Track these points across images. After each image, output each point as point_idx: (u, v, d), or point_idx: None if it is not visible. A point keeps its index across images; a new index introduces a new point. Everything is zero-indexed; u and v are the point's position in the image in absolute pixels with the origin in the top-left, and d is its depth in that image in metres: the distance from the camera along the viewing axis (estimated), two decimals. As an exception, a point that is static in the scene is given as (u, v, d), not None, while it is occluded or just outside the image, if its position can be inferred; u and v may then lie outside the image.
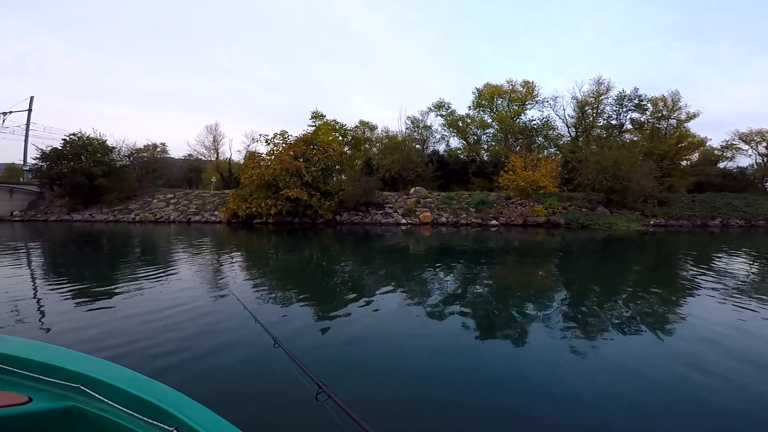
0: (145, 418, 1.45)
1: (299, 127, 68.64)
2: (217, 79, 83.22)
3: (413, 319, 5.71)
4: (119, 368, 1.77)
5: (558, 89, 59.14)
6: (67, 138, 27.93)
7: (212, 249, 14.38)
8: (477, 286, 8.10)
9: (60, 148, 27.53)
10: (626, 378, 3.77)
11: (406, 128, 38.63)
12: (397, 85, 74.41)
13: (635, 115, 35.29)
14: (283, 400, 3.38)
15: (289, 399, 3.34)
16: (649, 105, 34.33)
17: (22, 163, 34.31)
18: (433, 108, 38.52)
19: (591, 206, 24.30)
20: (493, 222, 22.90)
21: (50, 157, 27.18)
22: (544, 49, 73.51)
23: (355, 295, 7.22)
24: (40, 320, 5.47)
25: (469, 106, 38.84)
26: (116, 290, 7.23)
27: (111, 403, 1.54)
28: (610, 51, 69.32)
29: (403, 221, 23.67)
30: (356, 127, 37.42)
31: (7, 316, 5.49)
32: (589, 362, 4.21)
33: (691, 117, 33.27)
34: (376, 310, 6.13)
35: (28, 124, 34.61)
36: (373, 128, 38.26)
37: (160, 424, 1.40)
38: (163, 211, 26.40)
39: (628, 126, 35.93)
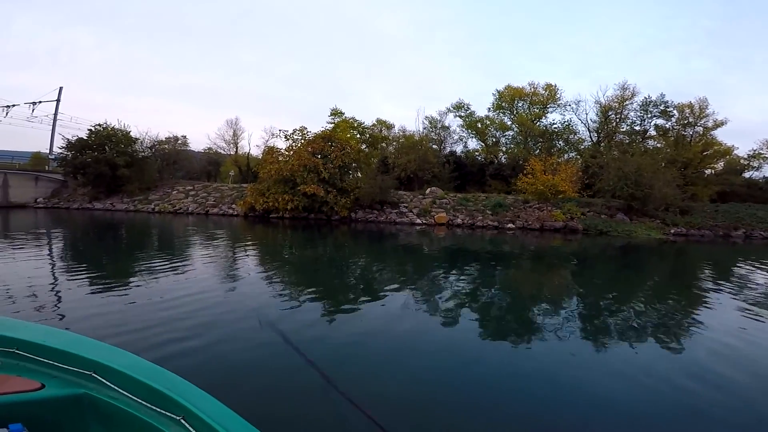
0: (154, 407, 1.47)
1: (318, 123, 69.01)
2: (238, 74, 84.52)
3: (421, 320, 5.74)
4: (131, 356, 1.79)
5: (581, 93, 57.64)
6: (93, 128, 28.56)
7: (228, 241, 14.61)
8: (488, 290, 8.06)
9: (85, 138, 28.14)
10: (628, 387, 3.77)
11: (424, 128, 38.50)
12: (416, 84, 74.30)
13: (660, 121, 34.50)
14: (290, 389, 3.45)
15: (295, 389, 3.42)
16: (675, 111, 33.52)
17: (48, 151, 35.26)
18: (451, 108, 38.32)
19: (610, 213, 23.83)
20: (510, 225, 22.64)
21: (75, 146, 27.80)
22: (568, 52, 72.19)
23: (366, 292, 7.32)
24: (56, 305, 5.61)
25: (489, 108, 38.50)
26: (133, 278, 7.44)
27: (121, 391, 1.55)
28: (637, 56, 67.64)
29: (418, 221, 23.59)
30: (373, 125, 37.48)
31: (25, 301, 5.62)
32: (594, 370, 4.21)
33: (718, 125, 32.37)
34: (385, 308, 6.17)
35: (56, 114, 35.46)
36: (390, 127, 38.28)
37: (167, 413, 1.43)
38: (182, 202, 26.86)
39: (652, 132, 35.09)
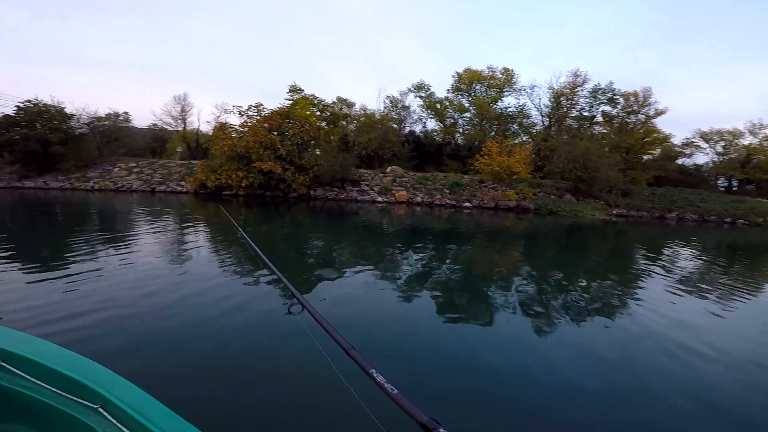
0: (70, 396, 1.40)
1: (275, 101, 66.23)
2: (188, 48, 78.69)
3: (375, 297, 5.77)
4: (44, 343, 1.66)
5: (535, 79, 59.61)
6: (21, 105, 26.02)
7: (177, 219, 13.82)
8: (443, 267, 8.18)
9: (12, 114, 25.65)
10: (568, 362, 3.95)
11: (385, 107, 38.22)
12: (378, 65, 72.92)
13: (607, 108, 36.45)
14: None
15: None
16: (621, 99, 35.53)
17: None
18: (412, 89, 38.20)
19: (559, 194, 25.08)
20: (467, 204, 23.23)
21: (1, 123, 25.20)
22: (526, 40, 73.96)
23: (322, 271, 7.18)
24: None
25: (448, 90, 38.77)
26: (70, 262, 6.72)
27: (33, 380, 1.47)
28: (589, 46, 70.58)
29: (379, 199, 23.60)
30: (334, 103, 36.63)
31: None
32: (536, 344, 4.42)
33: (659, 113, 34.71)
34: (340, 286, 6.14)
35: None
36: (351, 105, 37.55)
37: (84, 402, 1.37)
38: (125, 179, 25.06)
39: (599, 118, 37.07)
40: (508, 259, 10.24)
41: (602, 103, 36.16)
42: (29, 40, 66.66)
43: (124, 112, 34.43)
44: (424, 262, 8.56)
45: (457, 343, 4.27)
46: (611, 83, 35.22)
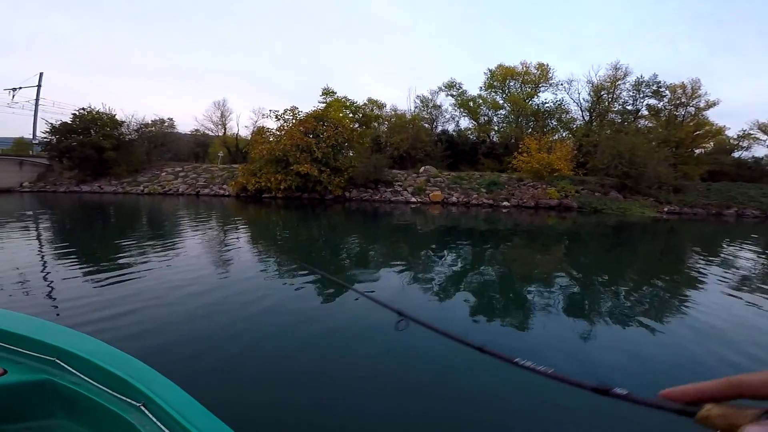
0: (116, 393, 1.46)
1: (307, 104, 67.90)
2: (225, 55, 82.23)
3: (412, 297, 5.64)
4: (95, 342, 1.75)
5: (572, 74, 57.20)
6: (77, 112, 27.87)
7: (220, 221, 14.29)
8: (481, 268, 7.93)
9: (69, 122, 27.50)
10: (613, 366, 3.68)
11: (415, 107, 38.05)
12: (405, 65, 73.07)
13: (652, 101, 34.47)
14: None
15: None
16: (667, 92, 33.50)
17: (31, 137, 34.27)
18: (443, 87, 37.79)
19: (604, 191, 23.92)
20: (505, 203, 22.63)
21: (60, 131, 27.14)
22: (557, 34, 71.22)
23: (358, 270, 7.18)
24: (47, 292, 5.29)
25: (481, 87, 37.99)
26: (124, 261, 7.11)
27: (83, 377, 1.54)
28: (626, 39, 66.92)
29: (413, 199, 23.46)
30: (364, 104, 36.88)
31: (15, 287, 5.35)
32: (579, 348, 4.11)
33: (710, 105, 32.43)
34: (376, 287, 6.07)
35: (37, 99, 34.55)
36: (381, 106, 37.66)
37: (128, 399, 1.42)
38: (172, 183, 26.34)
39: (644, 112, 35.15)
40: (550, 259, 9.79)
41: (646, 96, 34.29)
42: (79, 50, 71.84)
43: (169, 118, 36.35)
44: (459, 263, 8.35)
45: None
46: (655, 75, 33.41)
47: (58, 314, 4.44)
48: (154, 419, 1.33)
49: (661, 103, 34.25)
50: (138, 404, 1.38)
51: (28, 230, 11.47)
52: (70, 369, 1.58)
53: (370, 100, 37.14)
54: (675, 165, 26.17)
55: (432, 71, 75.20)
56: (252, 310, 4.74)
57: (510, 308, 5.43)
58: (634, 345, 4.24)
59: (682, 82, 32.80)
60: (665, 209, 22.48)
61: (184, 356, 3.52)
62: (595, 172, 25.45)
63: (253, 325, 4.31)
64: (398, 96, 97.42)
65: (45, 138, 28.05)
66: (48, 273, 6.38)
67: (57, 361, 1.61)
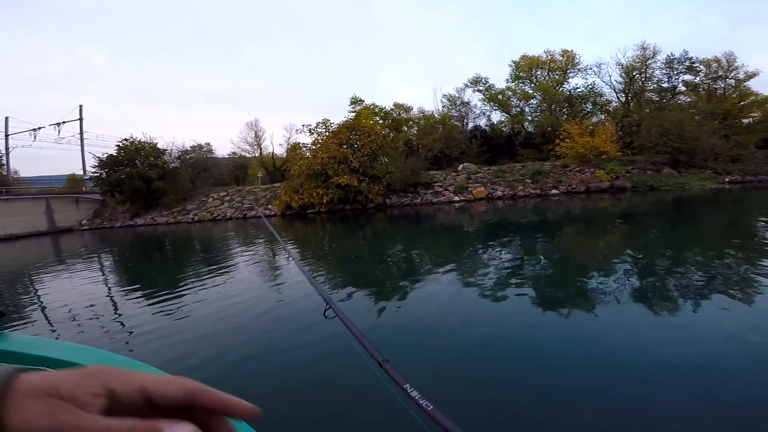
0: None
1: (337, 114, 69.06)
2: (251, 75, 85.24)
3: (466, 300, 5.43)
4: (151, 369, 1.72)
5: (600, 57, 55.49)
6: (121, 143, 28.66)
7: (269, 242, 14.49)
8: (535, 262, 7.59)
9: (115, 154, 28.29)
10: (695, 348, 3.38)
11: (443, 106, 37.88)
12: (428, 65, 73.21)
13: (687, 77, 33.41)
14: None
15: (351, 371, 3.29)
16: (701, 66, 32.39)
17: (81, 172, 36.13)
18: (469, 84, 37.49)
19: (656, 168, 22.93)
20: (554, 191, 22.01)
21: (107, 164, 27.98)
22: (576, 18, 69.63)
23: (408, 277, 7.06)
24: (120, 326, 5.55)
25: (507, 79, 37.53)
26: (184, 291, 7.35)
27: None
28: (646, 18, 64.49)
29: (456, 198, 23.21)
30: (392, 109, 37.07)
31: (89, 323, 5.66)
32: (655, 337, 3.73)
33: (750, 76, 31.25)
34: (428, 291, 5.95)
35: (81, 133, 35.95)
36: (408, 110, 37.72)
37: None
38: (219, 209, 27.21)
39: (682, 88, 33.91)
40: (606, 243, 9.31)
41: (681, 72, 33.32)
42: (113, 81, 75.99)
43: (207, 143, 37.62)
44: (509, 259, 8.03)
45: (553, 341, 3.84)
46: (686, 51, 32.42)
47: (126, 343, 4.73)
48: None
49: (698, 78, 33.20)
50: None
51: (96, 268, 12.08)
52: None
53: (396, 105, 37.32)
54: (727, 136, 24.89)
55: (455, 69, 74.75)
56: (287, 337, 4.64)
57: (567, 301, 5.08)
58: (702, 326, 3.87)
59: (716, 56, 31.85)
60: (726, 179, 21.27)
61: (237, 384, 3.51)
62: (642, 150, 24.49)
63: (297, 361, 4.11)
64: (424, 97, 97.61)
65: (94, 172, 28.85)
66: (116, 307, 6.71)
67: None
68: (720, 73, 31.97)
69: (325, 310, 1.91)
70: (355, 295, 6.10)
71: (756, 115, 33.46)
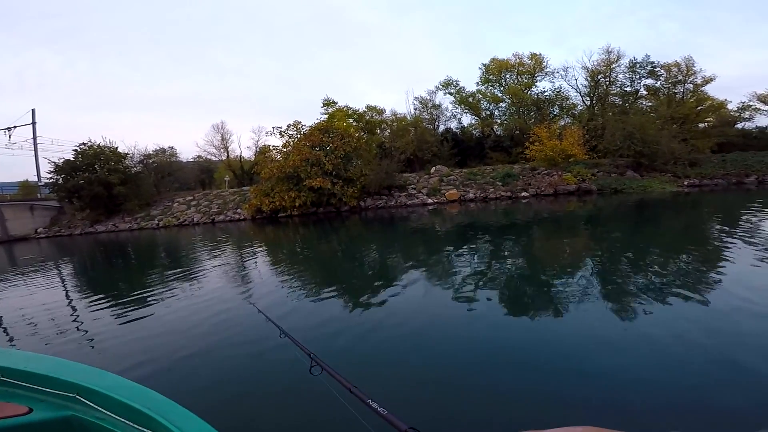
0: (137, 426, 1.49)
1: (307, 118, 67.99)
2: (218, 78, 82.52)
3: (436, 301, 5.60)
4: (113, 377, 1.82)
5: (564, 61, 57.62)
6: (78, 148, 27.25)
7: (238, 248, 14.02)
8: (503, 263, 7.82)
9: (72, 159, 26.87)
10: (653, 349, 3.56)
11: (415, 109, 37.98)
12: (399, 68, 73.09)
13: (649, 81, 34.91)
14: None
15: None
16: (662, 71, 33.96)
17: (36, 178, 33.97)
18: (440, 86, 37.79)
19: (620, 171, 23.80)
20: (524, 194, 22.45)
21: (64, 169, 26.51)
22: (541, 23, 71.70)
23: (381, 280, 7.11)
24: (83, 335, 5.44)
25: (477, 82, 38.07)
26: (146, 297, 7.23)
27: (105, 411, 1.59)
28: (608, 23, 67.28)
29: (429, 201, 23.30)
30: (364, 111, 36.88)
31: (49, 332, 5.54)
32: (618, 335, 3.97)
33: (707, 81, 32.88)
34: (400, 294, 6.04)
35: (35, 137, 33.61)
36: (381, 112, 37.62)
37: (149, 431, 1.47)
38: (186, 214, 26.19)
39: (643, 92, 35.43)
40: (574, 244, 9.65)
41: (642, 76, 34.76)
42: (68, 86, 72.16)
43: (170, 147, 36.19)
44: (482, 260, 8.22)
45: (519, 340, 4.02)
46: (648, 56, 33.85)
47: (86, 351, 4.69)
48: None
49: (659, 83, 34.71)
50: None
51: (53, 276, 11.39)
52: (92, 404, 1.63)
53: (368, 107, 37.15)
54: (685, 140, 26.16)
55: (426, 72, 74.92)
56: (268, 342, 4.47)
57: (536, 302, 5.28)
58: (670, 324, 4.06)
59: (676, 61, 33.35)
60: (685, 183, 22.31)
61: (204, 386, 3.57)
62: (606, 154, 25.35)
63: (271, 356, 4.20)
64: (396, 100, 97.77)
65: (50, 178, 27.38)
66: (76, 315, 6.55)
67: (78, 397, 1.66)
68: (679, 78, 33.46)
69: (311, 368, 1.74)
70: (324, 299, 6.09)
71: (711, 120, 35.41)
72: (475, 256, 8.71)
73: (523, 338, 4.04)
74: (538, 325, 4.37)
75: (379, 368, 3.65)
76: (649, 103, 34.46)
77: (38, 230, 27.66)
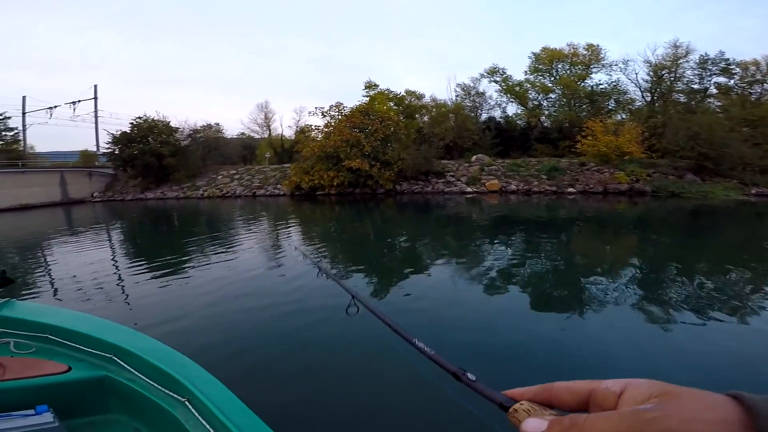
0: (163, 388, 1.53)
1: (347, 100, 68.40)
2: (262, 58, 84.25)
3: (464, 293, 5.52)
4: (148, 339, 1.88)
5: (624, 53, 53.21)
6: (134, 122, 29.13)
7: (278, 221, 14.32)
8: (539, 261, 7.50)
9: (128, 131, 28.78)
10: (689, 365, 3.39)
11: (456, 96, 36.84)
12: (439, 55, 71.05)
13: (721, 79, 31.66)
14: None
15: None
16: (737, 69, 30.70)
17: (95, 148, 36.40)
18: (486, 74, 36.38)
19: (678, 173, 22.05)
20: (570, 189, 21.34)
21: (121, 140, 28.47)
22: (595, 14, 66.69)
23: (412, 267, 7.10)
24: (124, 296, 5.75)
25: (525, 71, 36.29)
26: (188, 264, 7.55)
27: (137, 373, 1.65)
28: (673, 16, 61.24)
29: (468, 189, 22.72)
30: (403, 96, 36.30)
31: (94, 292, 5.83)
32: (650, 348, 3.73)
33: None
34: (428, 282, 6.02)
35: (96, 111, 36.14)
36: (420, 97, 36.88)
37: (174, 395, 1.49)
38: (229, 186, 27.11)
39: (713, 91, 32.34)
40: (614, 250, 9.06)
41: (714, 74, 31.57)
42: (124, 63, 76.28)
43: (216, 123, 37.52)
44: (517, 256, 7.99)
45: (545, 343, 3.91)
46: (722, 52, 30.50)
47: (126, 312, 4.92)
48: (197, 414, 1.38)
49: (732, 81, 31.46)
50: (183, 399, 1.44)
51: (104, 239, 12.12)
52: (125, 365, 1.68)
53: (407, 92, 36.50)
54: (758, 144, 23.77)
55: (469, 59, 72.78)
56: (303, 314, 4.74)
57: (563, 305, 5.08)
58: (702, 344, 3.81)
59: (755, 59, 30.00)
60: (753, 191, 20.35)
61: (232, 353, 3.68)
62: (665, 154, 23.55)
63: (289, 326, 4.40)
64: (436, 86, 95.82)
65: (108, 148, 29.61)
66: (121, 277, 6.91)
67: (114, 357, 1.72)
68: (757, 77, 30.29)
69: (348, 308, 1.63)
70: (356, 279, 6.20)
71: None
72: (507, 251, 8.47)
73: (540, 342, 3.98)
74: (555, 332, 4.26)
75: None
76: (719, 103, 31.56)
77: (94, 194, 29.64)
